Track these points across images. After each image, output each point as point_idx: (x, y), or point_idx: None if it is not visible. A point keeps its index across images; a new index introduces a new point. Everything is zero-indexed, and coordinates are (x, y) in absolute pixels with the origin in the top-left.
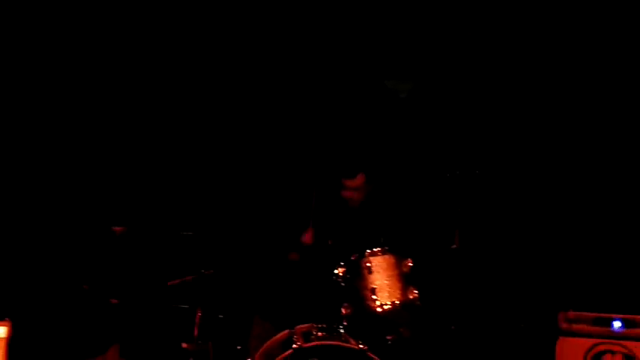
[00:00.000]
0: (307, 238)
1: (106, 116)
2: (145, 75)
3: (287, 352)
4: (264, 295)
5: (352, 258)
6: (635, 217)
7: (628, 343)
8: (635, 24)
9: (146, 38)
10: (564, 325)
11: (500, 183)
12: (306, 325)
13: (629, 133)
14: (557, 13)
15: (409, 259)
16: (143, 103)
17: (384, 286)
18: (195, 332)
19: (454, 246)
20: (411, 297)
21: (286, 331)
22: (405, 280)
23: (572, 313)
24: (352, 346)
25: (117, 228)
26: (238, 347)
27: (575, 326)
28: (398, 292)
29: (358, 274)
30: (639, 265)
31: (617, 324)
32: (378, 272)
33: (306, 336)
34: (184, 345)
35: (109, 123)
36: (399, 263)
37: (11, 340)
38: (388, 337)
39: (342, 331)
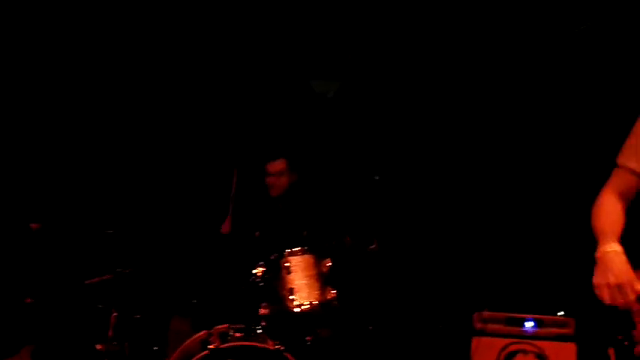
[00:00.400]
0: (225, 227)
1: (20, 113)
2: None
3: (202, 353)
4: (183, 294)
5: (271, 257)
6: (548, 220)
7: (539, 343)
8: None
9: None
10: (479, 325)
11: (418, 185)
12: (223, 325)
13: (538, 134)
14: (471, 16)
15: (328, 259)
16: (58, 101)
17: (302, 286)
18: (110, 333)
19: (373, 247)
20: (329, 297)
21: (204, 332)
22: (324, 280)
23: (486, 314)
24: (268, 346)
25: (33, 224)
26: (155, 348)
27: (490, 326)
28: (316, 292)
29: (277, 274)
30: (550, 266)
31: (529, 324)
32: (297, 272)
33: (223, 337)
34: (98, 346)
35: (24, 120)
36: (318, 263)
37: None
38: (307, 338)
39: (259, 331)
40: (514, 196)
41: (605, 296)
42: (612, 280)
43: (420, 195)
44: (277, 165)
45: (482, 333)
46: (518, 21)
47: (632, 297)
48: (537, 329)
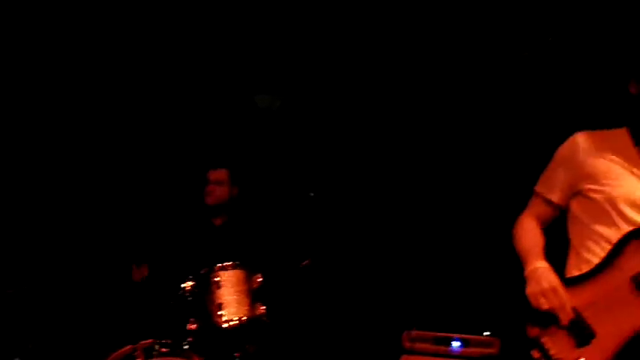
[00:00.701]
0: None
1: None
2: None
3: None
4: (109, 307)
5: (201, 272)
6: (474, 242)
7: None
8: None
9: None
10: (407, 344)
11: (352, 203)
12: (148, 340)
13: (467, 164)
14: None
15: (259, 275)
16: None
17: (231, 302)
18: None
19: (305, 262)
20: (259, 313)
21: (129, 347)
22: (254, 295)
23: (415, 333)
24: None
25: None
26: None
27: (418, 345)
28: (246, 307)
29: (206, 289)
30: (477, 287)
31: (455, 344)
32: (227, 287)
33: (148, 352)
34: None
35: None
36: (248, 278)
37: None
38: (234, 354)
39: (186, 347)
40: (443, 217)
41: (541, 302)
42: (546, 285)
43: (353, 213)
44: (219, 173)
45: (411, 352)
46: (449, 48)
47: (565, 299)
48: (464, 349)
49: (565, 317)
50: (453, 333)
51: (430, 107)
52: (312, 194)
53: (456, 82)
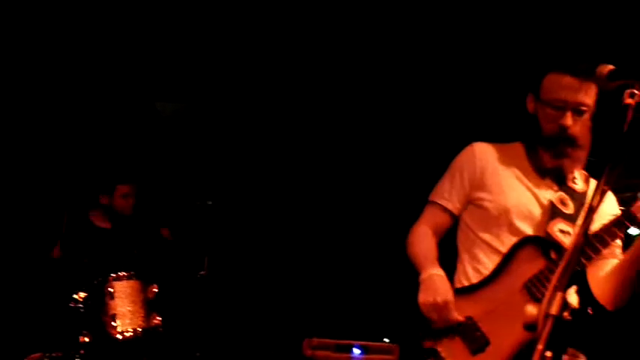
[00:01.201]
0: (55, 252)
1: None
2: None
3: None
4: None
5: (95, 282)
6: (372, 250)
7: None
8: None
9: None
10: (309, 352)
11: (250, 212)
12: (37, 354)
13: (358, 166)
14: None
15: (155, 285)
16: None
17: (126, 313)
18: None
19: (203, 272)
20: (154, 324)
21: None
22: (149, 306)
23: (315, 340)
24: None
25: None
26: None
27: (319, 353)
28: (141, 318)
29: (100, 300)
30: (376, 294)
31: (356, 351)
32: (121, 298)
33: None
34: None
35: None
36: (144, 289)
37: None
38: None
39: None
40: (341, 226)
41: (432, 314)
42: (439, 299)
43: (251, 222)
44: (126, 188)
45: (312, 359)
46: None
47: (454, 315)
48: (364, 356)
49: (457, 326)
50: (354, 340)
51: (325, 117)
52: (209, 202)
53: (345, 92)
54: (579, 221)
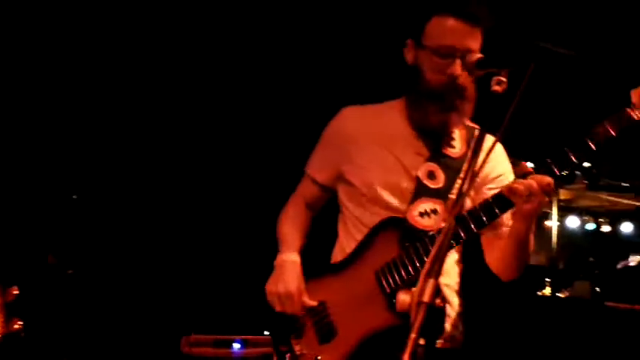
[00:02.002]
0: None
1: None
2: None
3: None
4: None
5: None
6: (245, 242)
7: None
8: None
9: None
10: (186, 349)
11: (118, 205)
12: None
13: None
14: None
15: (15, 288)
16: None
17: None
18: None
19: (70, 271)
20: (15, 329)
21: None
22: (9, 310)
23: (193, 337)
24: None
25: None
26: None
27: (197, 349)
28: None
29: None
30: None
31: (236, 345)
32: None
33: None
34: None
35: None
36: (2, 292)
37: None
38: None
39: None
40: (212, 219)
41: (276, 304)
42: (282, 289)
43: (119, 216)
44: None
45: (190, 357)
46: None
47: (298, 307)
48: (244, 350)
49: (301, 318)
50: (233, 335)
51: (185, 103)
52: (74, 197)
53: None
54: (450, 202)
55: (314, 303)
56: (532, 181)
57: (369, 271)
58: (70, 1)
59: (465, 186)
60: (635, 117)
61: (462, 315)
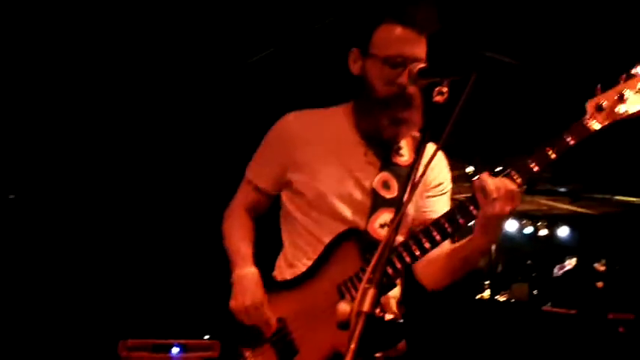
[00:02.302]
0: None
1: None
2: None
3: None
4: None
5: None
6: (185, 247)
7: None
8: None
9: None
10: (124, 354)
11: (55, 206)
12: None
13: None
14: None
15: None
16: None
17: None
18: None
19: None
20: None
21: None
22: None
23: (131, 342)
24: None
25: None
26: None
27: (135, 354)
28: None
29: None
30: (192, 291)
31: (175, 350)
32: None
33: None
34: None
35: None
36: None
37: None
38: None
39: None
40: (151, 224)
41: (244, 318)
42: (248, 301)
43: (58, 219)
44: None
45: None
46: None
47: (265, 317)
48: (183, 354)
49: (268, 332)
50: (172, 339)
51: (125, 104)
52: (11, 196)
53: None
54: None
55: (274, 319)
56: (500, 183)
57: (330, 285)
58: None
59: (406, 196)
60: (592, 128)
61: (403, 324)
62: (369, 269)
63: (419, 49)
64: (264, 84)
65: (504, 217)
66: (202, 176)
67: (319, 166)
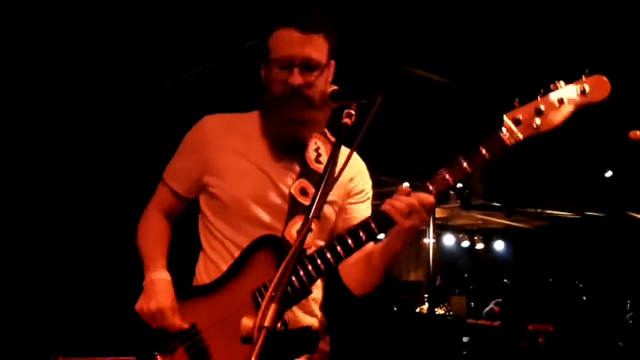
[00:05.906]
0: None
1: None
2: None
3: None
4: None
5: None
6: (114, 261)
7: None
8: None
9: None
10: None
11: None
12: None
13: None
14: None
15: None
16: None
17: None
18: None
19: None
20: None
21: None
22: None
23: (61, 359)
24: None
25: None
26: None
27: None
28: None
29: None
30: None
31: None
32: None
33: None
34: None
35: None
36: None
37: None
38: None
39: None
40: (82, 237)
41: (149, 321)
42: (154, 307)
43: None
44: None
45: None
46: None
47: (172, 320)
48: None
49: (177, 337)
50: (104, 357)
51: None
52: None
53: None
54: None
55: (185, 325)
56: (413, 199)
57: (245, 291)
58: None
59: (314, 205)
60: (508, 142)
61: (326, 328)
62: (272, 285)
63: (309, 49)
64: (197, 99)
65: (420, 226)
66: (116, 186)
67: (234, 171)
